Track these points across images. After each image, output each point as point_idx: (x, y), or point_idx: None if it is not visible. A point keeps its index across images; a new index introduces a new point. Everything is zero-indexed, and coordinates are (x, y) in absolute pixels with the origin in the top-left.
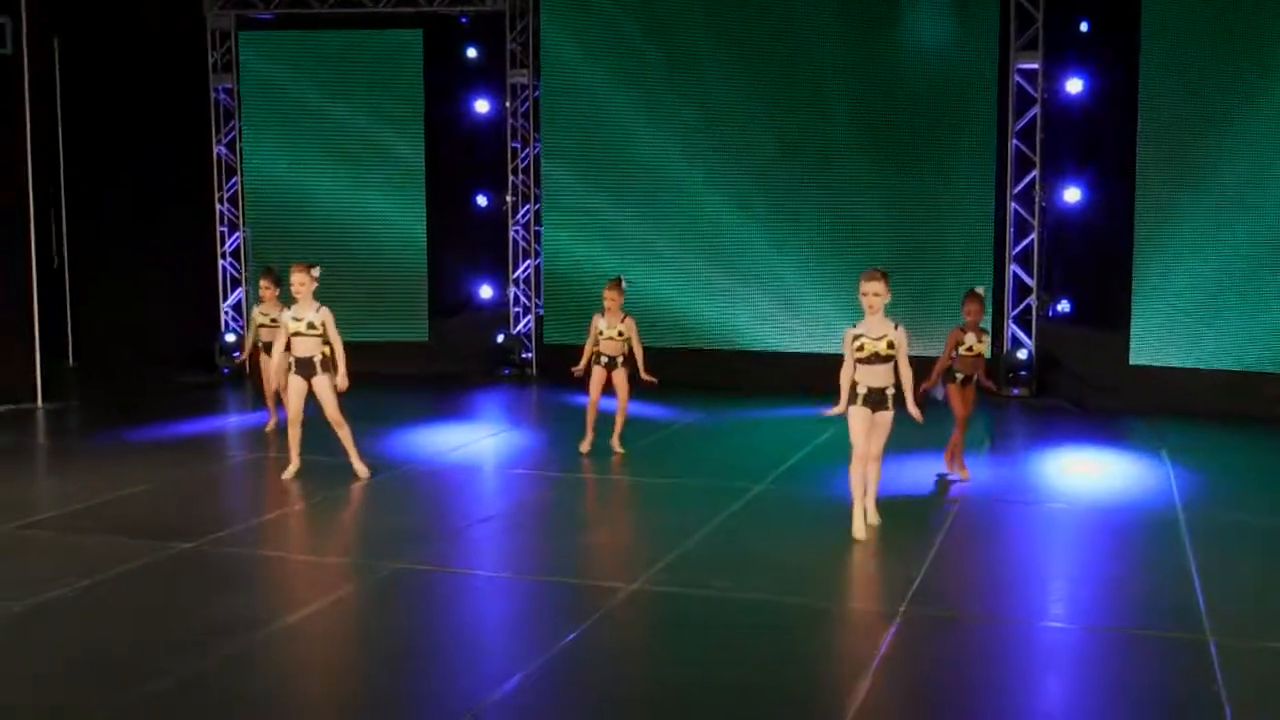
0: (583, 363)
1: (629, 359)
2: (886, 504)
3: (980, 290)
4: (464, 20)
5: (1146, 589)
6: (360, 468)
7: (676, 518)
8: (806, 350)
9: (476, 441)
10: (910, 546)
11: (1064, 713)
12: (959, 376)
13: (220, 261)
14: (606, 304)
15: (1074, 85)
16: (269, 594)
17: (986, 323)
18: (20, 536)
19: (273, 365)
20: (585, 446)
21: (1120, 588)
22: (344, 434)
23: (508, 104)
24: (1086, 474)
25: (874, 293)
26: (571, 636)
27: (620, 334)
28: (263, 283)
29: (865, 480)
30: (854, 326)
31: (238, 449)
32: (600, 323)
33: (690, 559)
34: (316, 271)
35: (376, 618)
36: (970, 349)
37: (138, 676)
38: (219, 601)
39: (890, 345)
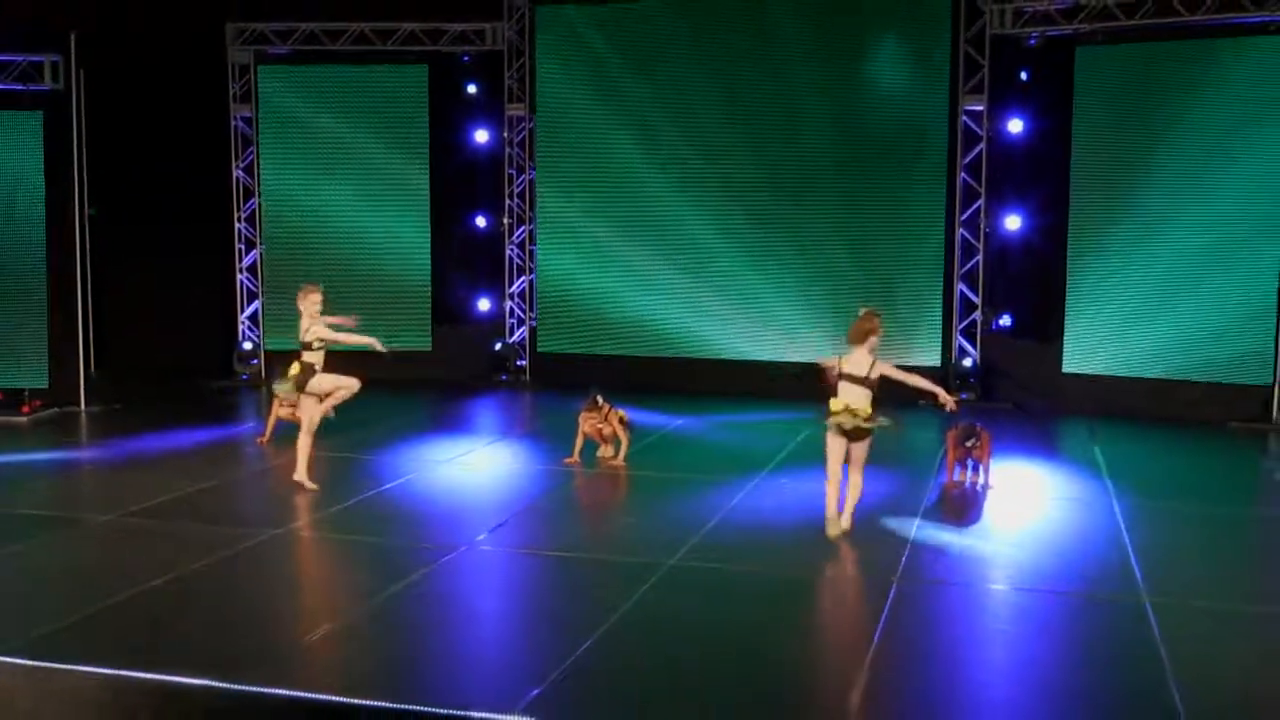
0: (575, 455)
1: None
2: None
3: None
4: (466, 58)
5: (1088, 559)
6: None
7: (691, 506)
8: (778, 359)
9: (493, 442)
10: (893, 531)
11: (1025, 663)
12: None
13: (238, 276)
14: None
15: (1015, 125)
16: (365, 571)
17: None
18: (128, 524)
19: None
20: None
21: (1065, 558)
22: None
23: (505, 134)
24: (1028, 466)
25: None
26: (629, 604)
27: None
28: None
29: (839, 492)
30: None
31: (279, 449)
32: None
33: (713, 540)
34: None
35: (463, 588)
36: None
37: (297, 630)
38: (327, 576)
39: (869, 374)
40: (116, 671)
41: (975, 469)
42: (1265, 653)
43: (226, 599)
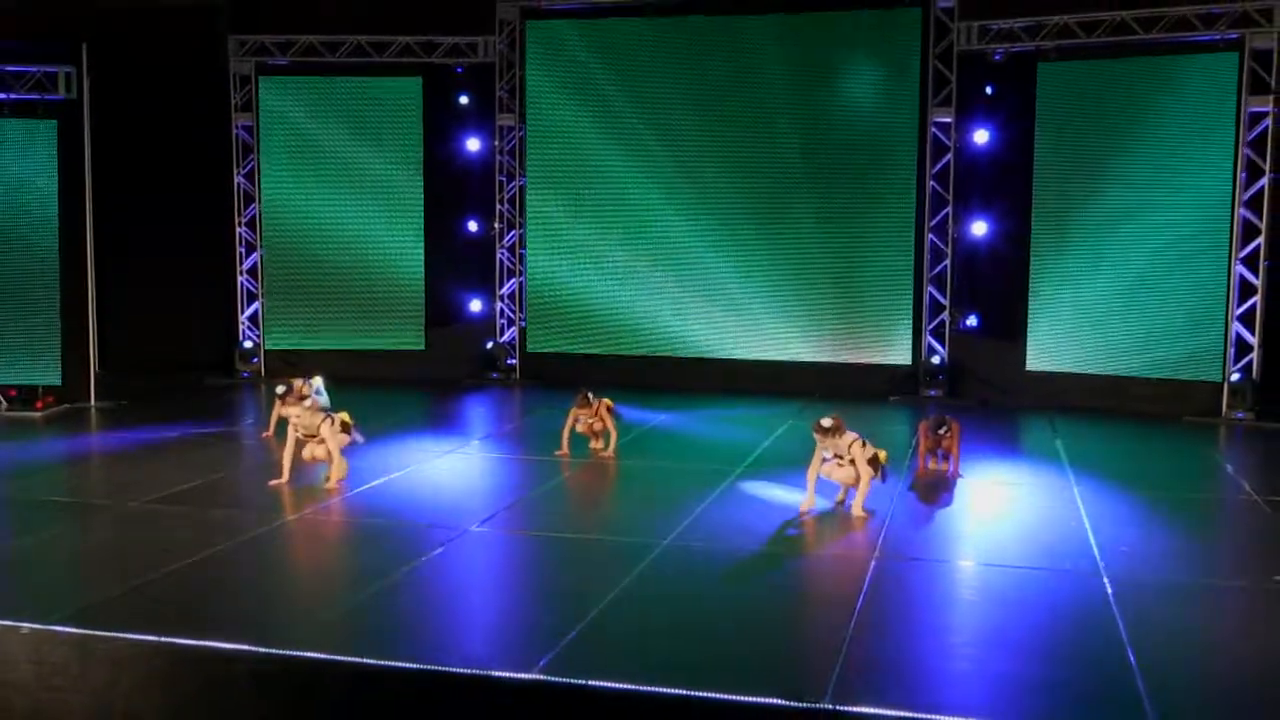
0: (564, 447)
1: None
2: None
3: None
4: (459, 70)
5: (1050, 539)
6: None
7: (681, 493)
8: (756, 357)
9: (486, 436)
10: (872, 513)
11: (992, 630)
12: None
13: (239, 278)
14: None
15: (981, 136)
16: (381, 550)
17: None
18: (153, 510)
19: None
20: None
21: (1029, 537)
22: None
23: (496, 143)
24: (994, 457)
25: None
26: (629, 579)
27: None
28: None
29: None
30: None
31: (282, 443)
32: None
33: (703, 523)
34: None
35: (475, 564)
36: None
37: (326, 601)
38: (347, 555)
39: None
40: (161, 638)
41: (945, 458)
42: (1209, 615)
43: (257, 574)
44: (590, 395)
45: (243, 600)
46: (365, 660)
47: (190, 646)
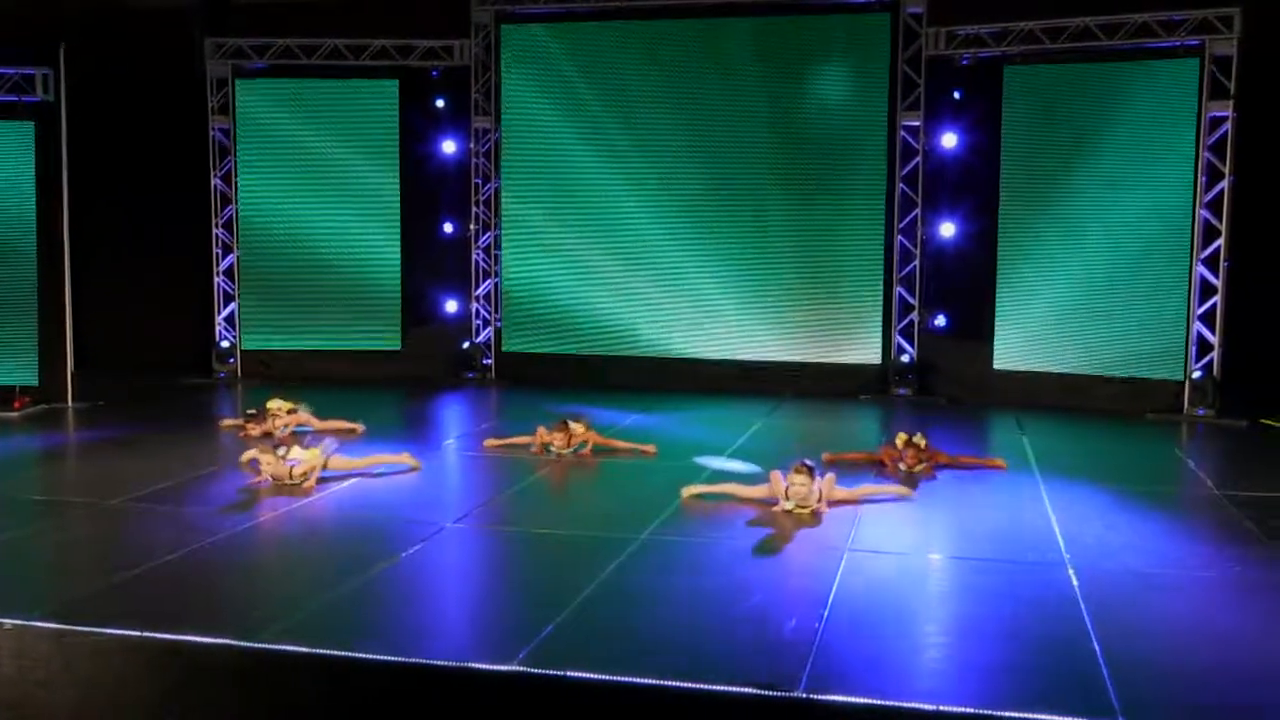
0: (537, 444)
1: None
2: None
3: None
4: (435, 73)
5: (1017, 532)
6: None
7: (656, 489)
8: (728, 357)
9: (463, 434)
10: (843, 508)
11: (961, 619)
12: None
13: (215, 279)
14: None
15: (949, 139)
16: (360, 546)
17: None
18: (134, 508)
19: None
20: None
21: (996, 531)
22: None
23: (472, 145)
24: (963, 456)
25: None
26: (607, 572)
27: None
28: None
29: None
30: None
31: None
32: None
33: (679, 518)
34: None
35: (453, 560)
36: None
37: (306, 596)
38: (325, 551)
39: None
40: (141, 633)
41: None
42: (1172, 606)
43: (238, 570)
44: (570, 423)
45: (222, 595)
46: (344, 653)
47: (170, 641)
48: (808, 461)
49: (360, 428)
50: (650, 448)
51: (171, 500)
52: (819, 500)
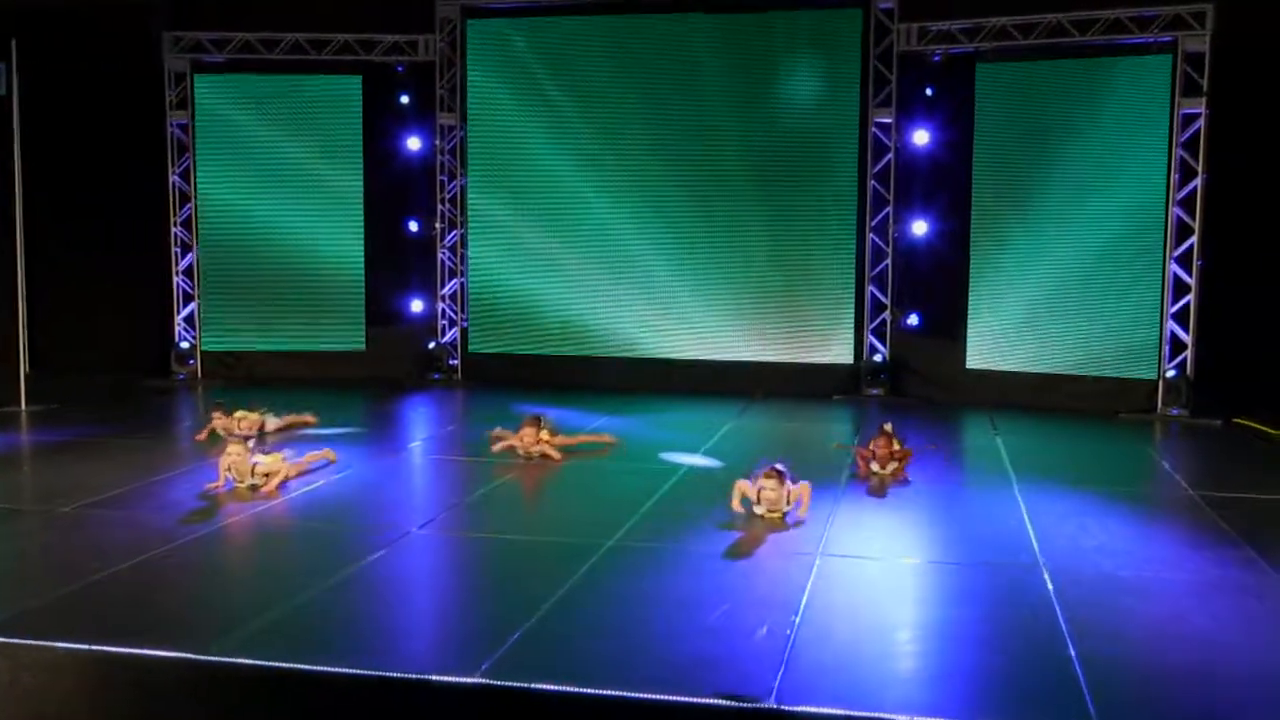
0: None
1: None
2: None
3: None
4: (399, 69)
5: (991, 534)
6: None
7: (624, 493)
8: (698, 357)
9: (428, 437)
10: (815, 512)
11: (936, 624)
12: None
13: (175, 278)
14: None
15: (921, 137)
16: (320, 554)
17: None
18: (88, 515)
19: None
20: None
21: (970, 534)
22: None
23: (437, 142)
24: (935, 455)
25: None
26: (574, 579)
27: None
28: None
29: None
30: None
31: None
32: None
33: (647, 523)
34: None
35: (416, 567)
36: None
37: (263, 606)
38: (285, 558)
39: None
40: (93, 646)
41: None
42: (1146, 607)
43: (194, 579)
44: (542, 421)
45: (177, 606)
46: (301, 666)
47: (124, 654)
48: (778, 466)
49: (313, 419)
50: (608, 437)
51: (127, 506)
52: (790, 504)
